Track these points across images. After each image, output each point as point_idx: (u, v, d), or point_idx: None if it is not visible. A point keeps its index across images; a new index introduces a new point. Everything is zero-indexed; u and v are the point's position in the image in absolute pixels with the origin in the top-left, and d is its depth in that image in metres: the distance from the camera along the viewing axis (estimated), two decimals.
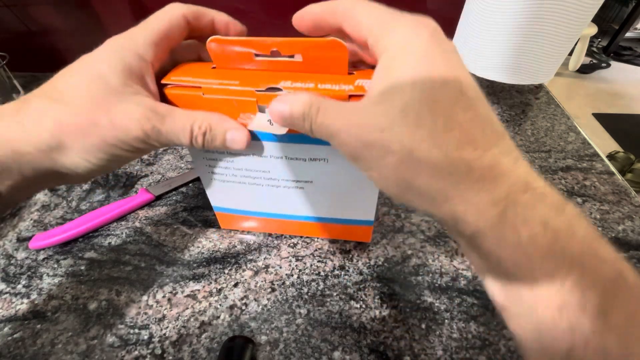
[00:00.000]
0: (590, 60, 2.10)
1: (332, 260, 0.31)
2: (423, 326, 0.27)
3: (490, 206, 0.13)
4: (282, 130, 0.20)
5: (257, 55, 0.20)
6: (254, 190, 0.28)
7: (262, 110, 0.21)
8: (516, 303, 0.15)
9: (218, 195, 0.30)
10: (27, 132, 0.17)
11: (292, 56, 0.20)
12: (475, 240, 0.14)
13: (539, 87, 0.52)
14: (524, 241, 0.13)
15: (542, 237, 0.13)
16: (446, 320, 0.27)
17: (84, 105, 0.18)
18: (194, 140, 0.20)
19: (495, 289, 0.16)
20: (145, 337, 0.27)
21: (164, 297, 0.30)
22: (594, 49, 2.16)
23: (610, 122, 1.74)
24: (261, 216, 0.32)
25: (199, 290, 0.30)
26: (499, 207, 0.13)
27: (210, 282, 0.30)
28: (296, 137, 0.23)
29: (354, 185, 0.27)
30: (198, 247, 0.33)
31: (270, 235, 0.34)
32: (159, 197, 0.38)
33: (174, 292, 0.30)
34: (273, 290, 0.30)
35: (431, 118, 0.14)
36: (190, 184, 0.39)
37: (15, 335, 0.28)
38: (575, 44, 1.67)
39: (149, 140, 0.19)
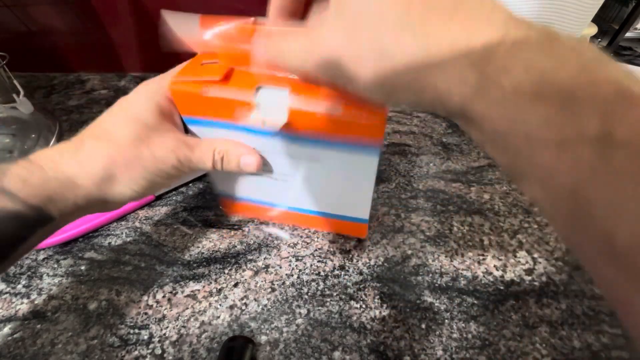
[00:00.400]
0: None
1: (332, 260, 0.31)
2: (423, 326, 0.27)
3: (468, 71, 0.13)
4: (276, 128, 0.21)
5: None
6: (254, 180, 0.29)
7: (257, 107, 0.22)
8: (523, 167, 0.14)
9: (221, 182, 0.32)
10: (84, 167, 0.21)
11: None
12: (468, 113, 0.14)
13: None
14: (508, 92, 0.12)
15: (526, 82, 0.12)
16: (446, 320, 0.27)
17: (128, 142, 0.22)
18: (215, 165, 0.25)
19: (503, 159, 0.15)
20: (145, 337, 0.27)
21: (164, 297, 0.30)
22: None
23: None
24: (261, 204, 0.33)
25: (199, 290, 0.30)
26: (477, 67, 0.13)
27: (210, 282, 0.30)
28: (289, 135, 0.23)
29: (347, 185, 0.27)
30: (198, 247, 0.33)
31: (270, 235, 0.34)
32: (159, 197, 0.38)
33: (174, 292, 0.30)
34: (273, 290, 0.30)
35: (388, 10, 0.14)
36: (190, 184, 0.39)
37: (15, 335, 0.28)
38: None
39: (182, 167, 0.23)
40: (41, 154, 0.21)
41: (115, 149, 0.22)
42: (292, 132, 0.23)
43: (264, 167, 0.27)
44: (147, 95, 0.23)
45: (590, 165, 0.11)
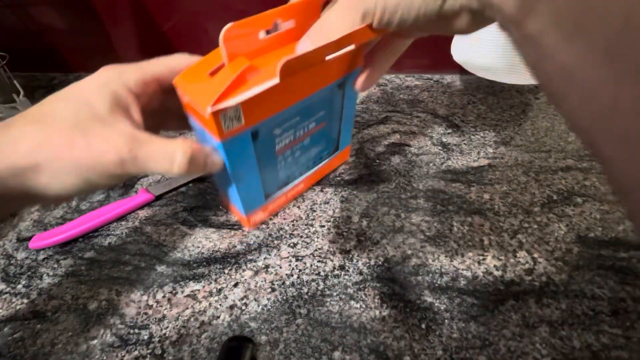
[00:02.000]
0: None
1: (332, 260, 0.31)
2: (423, 326, 0.27)
3: None
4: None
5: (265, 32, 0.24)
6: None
7: None
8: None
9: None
10: (3, 153, 0.18)
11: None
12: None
13: (539, 87, 0.52)
14: None
15: None
16: (446, 320, 0.27)
17: (64, 127, 0.19)
18: (177, 166, 0.21)
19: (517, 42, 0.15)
20: (145, 337, 0.27)
21: (164, 297, 0.30)
22: None
23: None
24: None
25: (199, 290, 0.30)
26: None
27: (210, 282, 0.30)
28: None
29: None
30: (198, 247, 0.33)
31: (270, 235, 0.34)
32: (159, 197, 0.38)
33: (174, 292, 0.30)
34: (273, 290, 0.30)
35: None
36: (190, 184, 0.39)
37: (15, 335, 0.28)
38: None
39: (124, 165, 0.19)
40: None
41: (45, 134, 0.18)
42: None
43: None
44: (102, 81, 0.20)
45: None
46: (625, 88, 0.10)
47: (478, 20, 0.20)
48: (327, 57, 0.23)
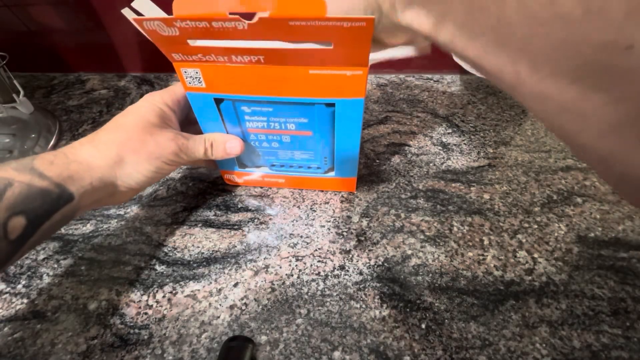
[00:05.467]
0: None
1: (332, 260, 0.31)
2: (423, 326, 0.27)
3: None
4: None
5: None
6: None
7: None
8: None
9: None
10: (98, 152, 0.26)
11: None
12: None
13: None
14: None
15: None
16: (446, 320, 0.27)
17: (136, 131, 0.27)
18: (206, 152, 0.31)
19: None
20: (145, 337, 0.27)
21: (164, 297, 0.30)
22: None
23: None
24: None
25: (199, 290, 0.30)
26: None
27: (210, 282, 0.30)
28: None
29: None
30: (198, 247, 0.33)
31: (270, 235, 0.34)
32: (159, 198, 0.38)
33: (174, 292, 0.30)
34: (273, 290, 0.30)
35: None
36: (190, 184, 0.39)
37: (15, 335, 0.28)
38: None
39: (180, 153, 0.29)
40: (65, 146, 0.26)
41: (125, 136, 0.27)
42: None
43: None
44: (151, 102, 0.29)
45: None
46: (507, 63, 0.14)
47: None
48: (311, 72, 0.24)
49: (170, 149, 0.28)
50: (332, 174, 0.35)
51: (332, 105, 0.27)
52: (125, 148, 0.26)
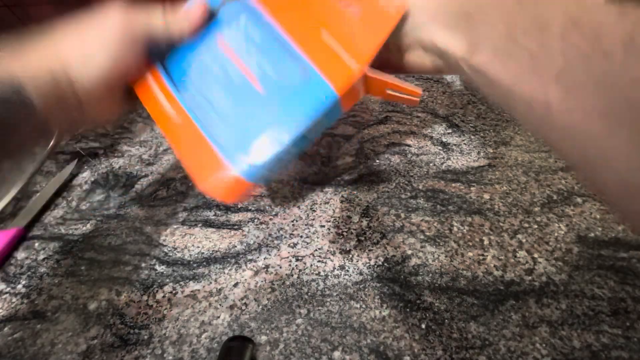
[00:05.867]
0: None
1: (332, 260, 0.31)
2: (423, 326, 0.27)
3: None
4: None
5: None
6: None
7: None
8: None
9: None
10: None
11: None
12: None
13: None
14: None
15: None
16: (446, 320, 0.27)
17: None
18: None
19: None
20: (145, 337, 0.27)
21: (164, 297, 0.30)
22: None
23: None
24: None
25: (199, 290, 0.30)
26: None
27: (210, 282, 0.30)
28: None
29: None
30: (198, 247, 0.33)
31: (270, 235, 0.34)
32: (160, 199, 0.38)
33: (174, 292, 0.30)
34: (273, 290, 0.30)
35: None
36: (190, 184, 0.39)
37: (15, 335, 0.28)
38: None
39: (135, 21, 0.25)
40: None
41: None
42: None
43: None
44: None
45: None
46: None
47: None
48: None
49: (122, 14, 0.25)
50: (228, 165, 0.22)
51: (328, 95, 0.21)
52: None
